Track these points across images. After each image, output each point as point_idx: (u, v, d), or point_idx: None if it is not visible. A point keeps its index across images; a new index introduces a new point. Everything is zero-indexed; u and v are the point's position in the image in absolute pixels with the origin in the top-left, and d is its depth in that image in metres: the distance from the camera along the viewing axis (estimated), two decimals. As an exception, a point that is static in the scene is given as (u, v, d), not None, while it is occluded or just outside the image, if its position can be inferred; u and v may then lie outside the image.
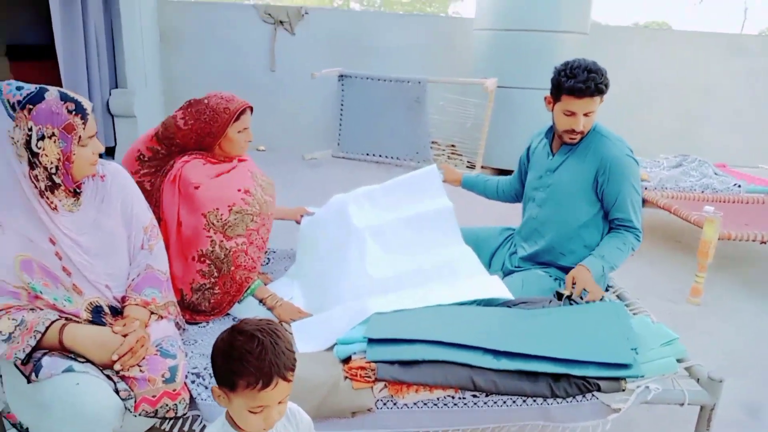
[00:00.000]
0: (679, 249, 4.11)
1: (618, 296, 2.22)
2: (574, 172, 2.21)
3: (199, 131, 2.02)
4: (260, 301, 2.06)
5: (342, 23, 6.92)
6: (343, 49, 6.76)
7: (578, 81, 2.09)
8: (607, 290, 2.28)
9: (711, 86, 7.11)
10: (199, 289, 1.96)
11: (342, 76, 6.24)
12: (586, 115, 2.14)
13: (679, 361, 1.76)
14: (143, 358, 1.49)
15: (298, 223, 2.56)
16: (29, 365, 1.41)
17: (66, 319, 1.50)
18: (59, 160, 1.48)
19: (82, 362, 1.44)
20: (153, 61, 6.39)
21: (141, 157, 2.07)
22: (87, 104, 1.51)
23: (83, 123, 1.49)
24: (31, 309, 1.47)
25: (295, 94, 6.82)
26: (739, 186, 4.06)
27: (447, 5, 19.57)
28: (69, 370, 1.40)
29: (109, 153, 5.38)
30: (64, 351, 1.47)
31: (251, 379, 1.13)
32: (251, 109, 2.12)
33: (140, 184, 2.00)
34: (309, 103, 6.84)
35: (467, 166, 6.13)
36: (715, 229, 3.16)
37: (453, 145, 6.39)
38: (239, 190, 2.05)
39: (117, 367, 1.44)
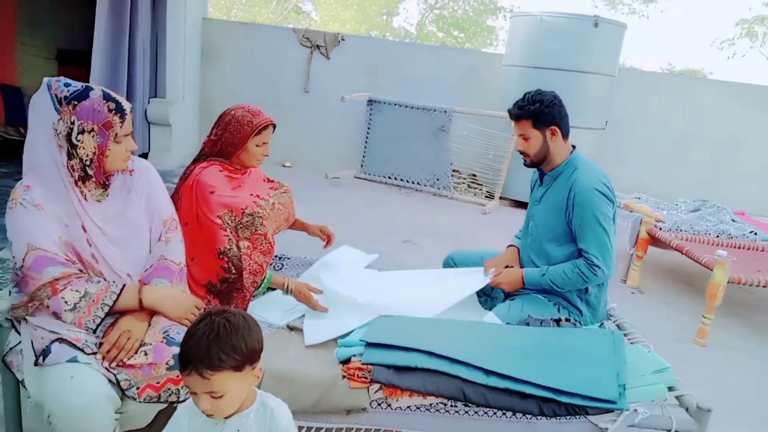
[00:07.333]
0: (690, 291, 4.10)
1: (618, 326, 2.25)
2: (552, 202, 2.25)
3: (223, 140, 2.16)
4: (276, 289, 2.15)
5: (376, 51, 7.16)
6: (375, 76, 6.98)
7: (512, 105, 2.23)
8: (608, 319, 2.32)
9: (739, 136, 7.08)
10: (224, 281, 2.05)
11: (371, 101, 6.42)
12: (522, 137, 2.24)
13: (670, 389, 1.79)
14: (141, 346, 1.54)
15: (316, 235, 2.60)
16: (40, 347, 1.47)
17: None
18: (94, 153, 1.59)
19: (88, 354, 1.48)
20: (192, 75, 6.68)
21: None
22: (126, 105, 1.64)
23: (121, 122, 1.61)
24: (88, 279, 1.56)
25: (325, 115, 7.04)
26: (755, 233, 4.05)
27: (482, 46, 19.76)
28: (73, 360, 1.44)
29: (143, 158, 5.62)
30: (142, 310, 1.60)
31: (178, 360, 1.17)
32: (274, 126, 2.23)
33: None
34: (337, 124, 7.05)
35: (486, 196, 6.21)
36: (724, 272, 3.17)
37: (474, 175, 6.49)
38: (252, 195, 2.17)
39: (105, 364, 1.49)
